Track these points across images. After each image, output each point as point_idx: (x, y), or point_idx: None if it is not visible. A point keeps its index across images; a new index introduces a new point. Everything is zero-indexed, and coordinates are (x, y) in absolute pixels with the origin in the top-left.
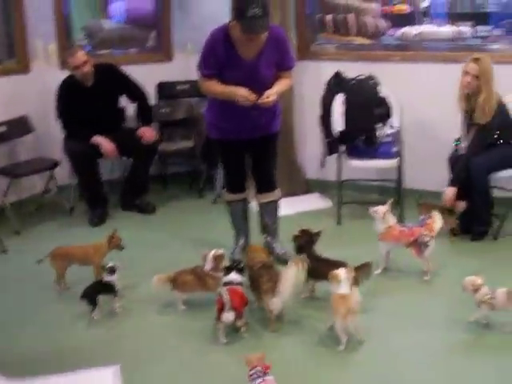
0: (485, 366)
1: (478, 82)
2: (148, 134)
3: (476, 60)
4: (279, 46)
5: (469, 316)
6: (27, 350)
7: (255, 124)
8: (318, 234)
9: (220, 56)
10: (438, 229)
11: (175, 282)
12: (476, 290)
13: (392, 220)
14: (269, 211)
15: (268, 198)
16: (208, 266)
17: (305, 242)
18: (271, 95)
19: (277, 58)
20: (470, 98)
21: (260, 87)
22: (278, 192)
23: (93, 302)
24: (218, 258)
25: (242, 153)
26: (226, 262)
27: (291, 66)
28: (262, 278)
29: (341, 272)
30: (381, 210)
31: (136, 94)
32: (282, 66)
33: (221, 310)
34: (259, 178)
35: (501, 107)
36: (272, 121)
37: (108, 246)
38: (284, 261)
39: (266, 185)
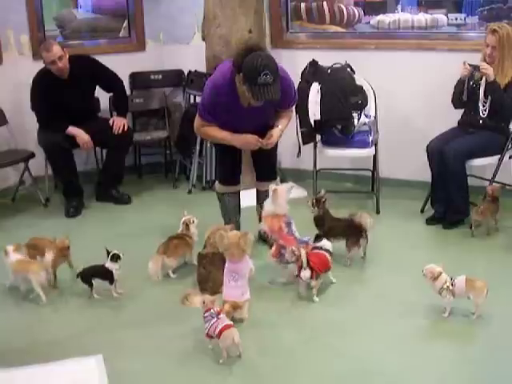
0: (447, 352)
1: (497, 52)
2: (119, 123)
3: (493, 31)
4: (281, 89)
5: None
6: (4, 343)
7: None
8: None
9: (222, 104)
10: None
11: (168, 249)
12: (436, 278)
13: None
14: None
15: (267, 186)
16: (179, 230)
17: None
18: (275, 136)
19: (278, 100)
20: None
21: (256, 127)
22: (277, 181)
23: (88, 283)
24: (186, 223)
25: (240, 162)
26: (194, 228)
27: (292, 104)
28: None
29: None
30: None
31: (112, 83)
32: (283, 106)
33: (300, 268)
34: (261, 166)
35: None
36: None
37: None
38: None
39: (267, 174)
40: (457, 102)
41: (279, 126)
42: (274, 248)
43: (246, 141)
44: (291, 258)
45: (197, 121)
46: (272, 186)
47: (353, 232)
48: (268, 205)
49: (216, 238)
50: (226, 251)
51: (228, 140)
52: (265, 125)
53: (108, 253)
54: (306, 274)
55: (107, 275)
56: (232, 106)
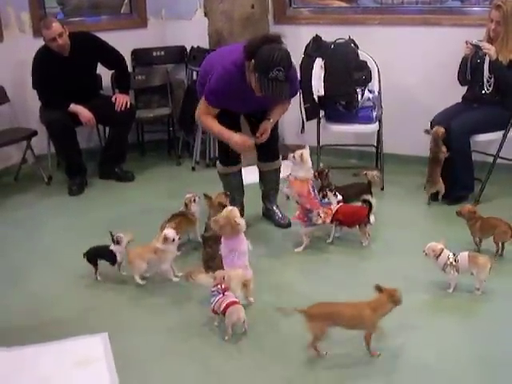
0: (451, 327)
1: (501, 27)
2: (121, 100)
3: (498, 6)
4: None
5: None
6: (11, 322)
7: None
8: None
9: (232, 92)
10: None
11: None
12: (438, 255)
13: None
14: (269, 179)
15: (270, 167)
16: (181, 208)
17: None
18: (268, 131)
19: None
20: (493, 43)
21: (255, 110)
22: (279, 161)
23: (93, 263)
24: (185, 202)
25: (239, 123)
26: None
27: (293, 96)
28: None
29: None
30: None
31: (114, 60)
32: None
33: (369, 213)
34: (262, 148)
35: None
36: None
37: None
38: (283, 226)
39: (268, 154)
40: (462, 79)
41: (271, 120)
42: (298, 211)
43: (242, 144)
44: (317, 220)
45: (202, 105)
46: (298, 152)
47: (360, 191)
48: (295, 170)
49: (211, 224)
50: (221, 230)
51: (225, 138)
52: (263, 109)
53: (112, 236)
54: (373, 218)
55: (111, 257)
56: (240, 92)
